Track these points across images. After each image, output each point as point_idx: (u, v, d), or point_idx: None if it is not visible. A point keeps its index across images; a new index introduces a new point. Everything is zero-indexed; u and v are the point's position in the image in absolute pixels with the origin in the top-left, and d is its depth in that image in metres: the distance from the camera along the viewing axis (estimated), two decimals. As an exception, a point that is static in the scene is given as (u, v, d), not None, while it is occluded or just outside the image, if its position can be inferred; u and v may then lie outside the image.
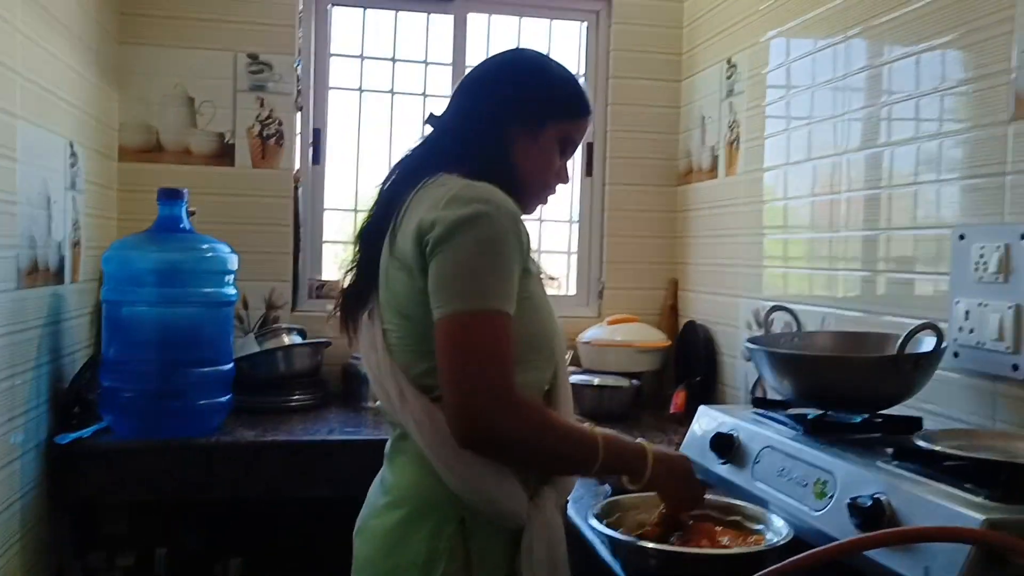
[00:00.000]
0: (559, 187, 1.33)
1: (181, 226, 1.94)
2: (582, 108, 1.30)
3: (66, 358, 1.97)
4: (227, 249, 1.99)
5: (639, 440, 1.24)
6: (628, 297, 2.75)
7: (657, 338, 2.57)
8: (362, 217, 1.32)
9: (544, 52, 1.35)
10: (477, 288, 1.08)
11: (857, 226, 1.82)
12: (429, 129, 1.29)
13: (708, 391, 2.41)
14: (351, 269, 1.27)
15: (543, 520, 1.18)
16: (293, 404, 2.22)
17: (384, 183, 1.25)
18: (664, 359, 2.60)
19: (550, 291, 1.29)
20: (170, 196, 1.93)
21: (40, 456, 1.80)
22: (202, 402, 1.92)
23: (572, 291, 2.82)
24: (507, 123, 1.24)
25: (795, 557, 0.87)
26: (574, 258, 2.82)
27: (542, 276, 1.26)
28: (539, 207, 1.32)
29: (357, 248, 1.26)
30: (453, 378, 1.08)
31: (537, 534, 1.17)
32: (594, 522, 1.25)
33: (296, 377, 2.26)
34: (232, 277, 2.02)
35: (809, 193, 2.00)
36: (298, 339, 2.30)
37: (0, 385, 1.61)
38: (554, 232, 2.86)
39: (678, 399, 2.32)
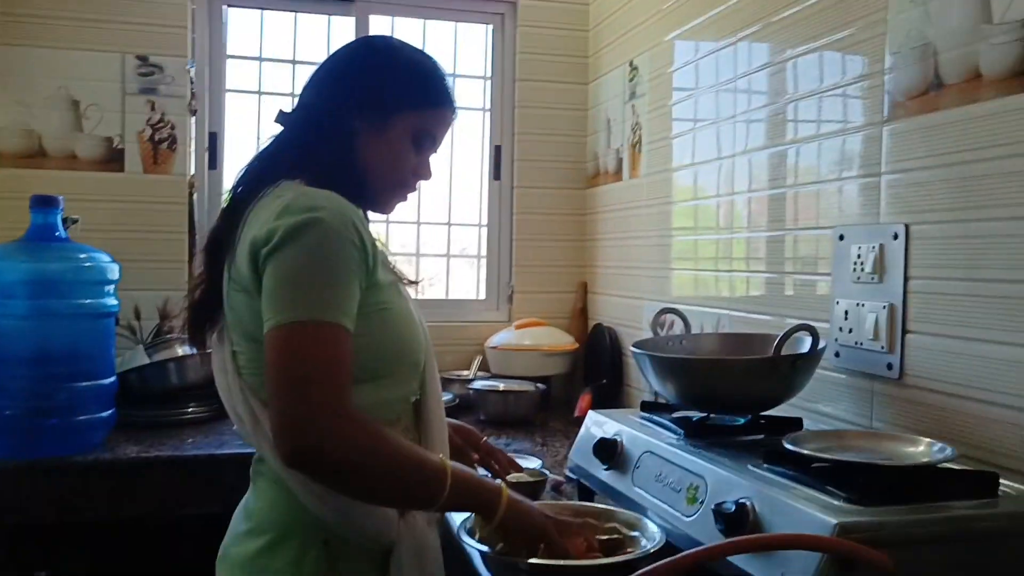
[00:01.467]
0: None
1: (56, 234, 1.85)
2: (436, 97, 1.21)
3: (-65, 375, 1.86)
4: (107, 258, 1.91)
5: (499, 482, 1.18)
6: (538, 300, 2.73)
7: (565, 341, 2.56)
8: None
9: (400, 39, 1.26)
10: (305, 299, 1.01)
11: (757, 226, 1.82)
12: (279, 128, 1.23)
13: (614, 394, 2.40)
14: (198, 284, 1.21)
15: (413, 538, 1.14)
16: (187, 417, 2.14)
17: (233, 189, 1.20)
18: (573, 362, 2.59)
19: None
20: (43, 203, 1.85)
21: (-96, 480, 1.71)
22: (81, 418, 1.83)
23: (482, 295, 2.79)
24: (351, 118, 1.17)
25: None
26: (483, 262, 2.79)
27: (403, 283, 1.22)
28: (397, 205, 1.26)
29: (204, 261, 1.20)
30: (275, 392, 1.00)
31: (407, 553, 1.12)
32: (464, 536, 1.21)
33: (191, 389, 2.18)
34: (113, 287, 1.93)
35: (713, 194, 1.99)
36: (192, 350, 2.22)
37: None
38: (463, 236, 2.82)
39: (583, 402, 2.31)
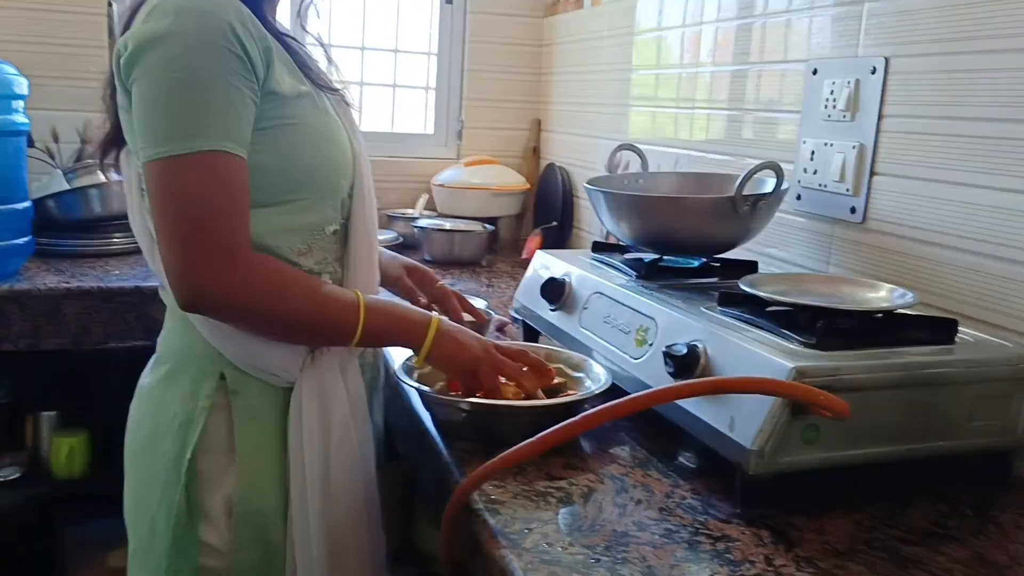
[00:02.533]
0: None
1: (-47, 40, 1.66)
2: None
3: None
4: (12, 70, 1.72)
5: (434, 314, 1.09)
6: (489, 137, 2.61)
7: (516, 181, 2.46)
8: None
9: None
10: (178, 125, 0.90)
11: (722, 61, 1.70)
12: None
13: (564, 237, 2.33)
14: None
15: (316, 380, 1.05)
16: (112, 248, 2.02)
17: None
18: (523, 203, 2.50)
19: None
20: (-65, 3, 1.64)
21: None
22: (-7, 245, 1.70)
23: (429, 130, 2.64)
24: None
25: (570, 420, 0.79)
26: (431, 94, 2.63)
27: (325, 94, 1.07)
28: None
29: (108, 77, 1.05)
30: (163, 235, 0.92)
31: (308, 392, 1.04)
32: (402, 375, 1.15)
33: (116, 218, 2.04)
34: (21, 103, 1.75)
35: (678, 24, 1.86)
36: (117, 176, 2.07)
37: None
38: (410, 65, 2.65)
39: (532, 244, 2.23)
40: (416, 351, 1.07)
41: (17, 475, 1.86)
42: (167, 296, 1.07)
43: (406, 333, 1.06)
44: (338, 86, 1.12)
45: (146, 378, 1.10)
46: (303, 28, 1.20)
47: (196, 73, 0.90)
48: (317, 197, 1.05)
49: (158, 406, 1.06)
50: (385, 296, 1.26)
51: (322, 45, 1.20)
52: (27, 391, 1.96)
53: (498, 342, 1.13)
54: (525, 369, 1.11)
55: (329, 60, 1.18)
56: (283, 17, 1.17)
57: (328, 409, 1.06)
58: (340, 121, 1.09)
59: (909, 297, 1.08)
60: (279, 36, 1.03)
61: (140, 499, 1.08)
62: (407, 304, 1.10)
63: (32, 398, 1.95)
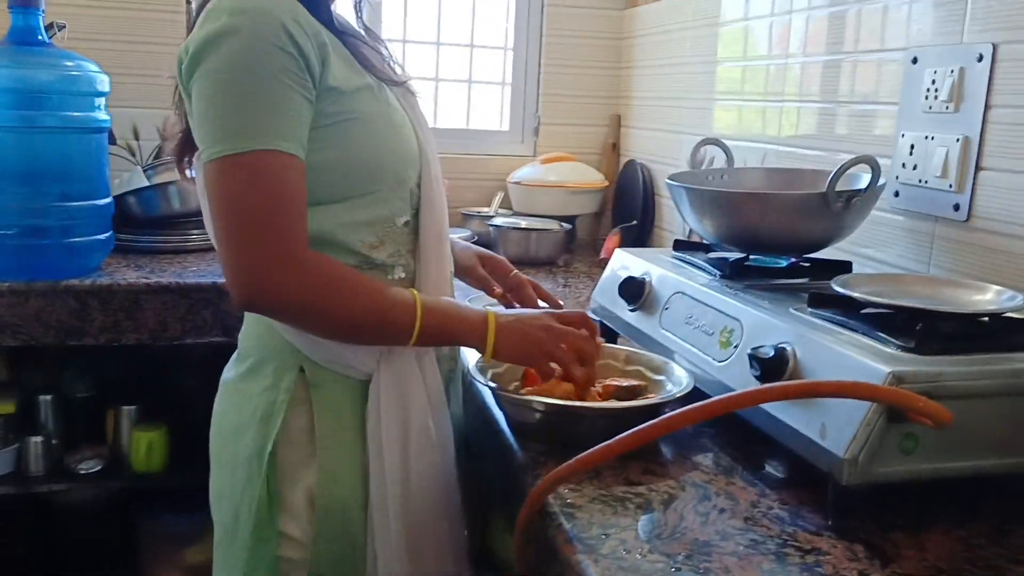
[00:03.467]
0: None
1: (39, 39, 1.69)
2: None
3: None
4: (95, 67, 1.75)
5: (490, 309, 1.06)
6: (567, 134, 2.56)
7: (594, 178, 2.41)
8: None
9: None
10: (232, 126, 0.89)
11: (814, 51, 1.62)
12: None
13: (644, 236, 2.27)
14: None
15: (395, 369, 1.05)
16: (190, 244, 2.04)
17: None
18: (602, 201, 2.45)
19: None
20: (24, 3, 1.67)
21: None
22: (77, 240, 1.73)
23: (505, 126, 2.61)
24: None
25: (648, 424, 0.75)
26: (507, 90, 2.60)
27: (386, 86, 1.06)
28: None
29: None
30: (219, 238, 0.93)
31: (385, 384, 1.05)
32: (475, 373, 1.11)
33: (194, 215, 2.06)
34: (103, 100, 1.78)
35: (767, 13, 1.78)
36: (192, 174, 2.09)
37: None
38: (486, 60, 2.62)
39: (610, 243, 2.18)
40: (480, 350, 1.04)
41: (99, 468, 1.89)
42: None
43: (464, 332, 1.04)
44: (399, 78, 1.11)
45: (229, 372, 1.12)
46: (359, 19, 1.19)
47: (249, 73, 0.90)
48: (386, 190, 1.04)
49: (241, 400, 1.07)
50: (459, 287, 1.24)
51: (379, 39, 1.18)
52: (108, 385, 1.99)
53: (555, 312, 1.10)
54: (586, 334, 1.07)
55: (380, 52, 1.15)
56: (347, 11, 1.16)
57: (406, 401, 1.05)
58: (405, 112, 1.08)
59: (1019, 300, 0.99)
60: (337, 31, 1.02)
61: (224, 490, 1.09)
62: (464, 303, 1.08)
63: (113, 392, 1.99)
